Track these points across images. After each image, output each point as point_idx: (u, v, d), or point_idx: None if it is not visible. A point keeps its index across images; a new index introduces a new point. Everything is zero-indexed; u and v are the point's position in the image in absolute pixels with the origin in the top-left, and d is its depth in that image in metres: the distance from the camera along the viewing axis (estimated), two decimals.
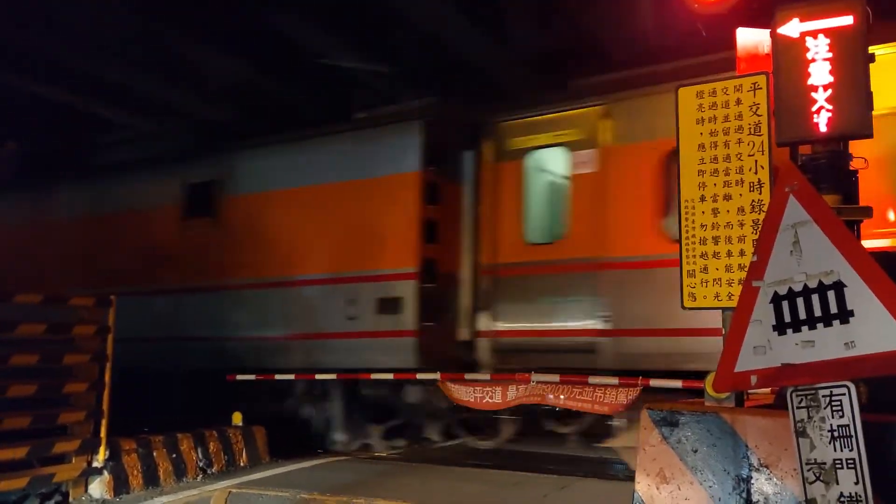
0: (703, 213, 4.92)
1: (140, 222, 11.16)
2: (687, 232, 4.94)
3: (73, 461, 6.35)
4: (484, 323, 8.87)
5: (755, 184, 4.78)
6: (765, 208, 4.49)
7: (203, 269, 10.46)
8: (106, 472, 6.56)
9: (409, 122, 9.15)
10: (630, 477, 5.23)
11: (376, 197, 9.14)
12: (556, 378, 7.71)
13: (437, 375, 8.47)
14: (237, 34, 10.79)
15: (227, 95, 12.51)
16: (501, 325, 8.74)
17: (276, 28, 10.56)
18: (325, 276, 9.43)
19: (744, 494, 4.01)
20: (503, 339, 8.71)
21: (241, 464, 8.03)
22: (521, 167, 8.79)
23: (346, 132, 9.82)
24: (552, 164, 8.82)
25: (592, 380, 7.49)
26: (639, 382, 7.24)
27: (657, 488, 4.28)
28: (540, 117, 8.72)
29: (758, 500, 3.96)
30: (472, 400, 8.32)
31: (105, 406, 6.58)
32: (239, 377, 9.50)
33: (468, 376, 8.33)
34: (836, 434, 3.09)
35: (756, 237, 4.28)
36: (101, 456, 6.53)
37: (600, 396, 7.46)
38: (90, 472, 6.48)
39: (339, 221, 9.42)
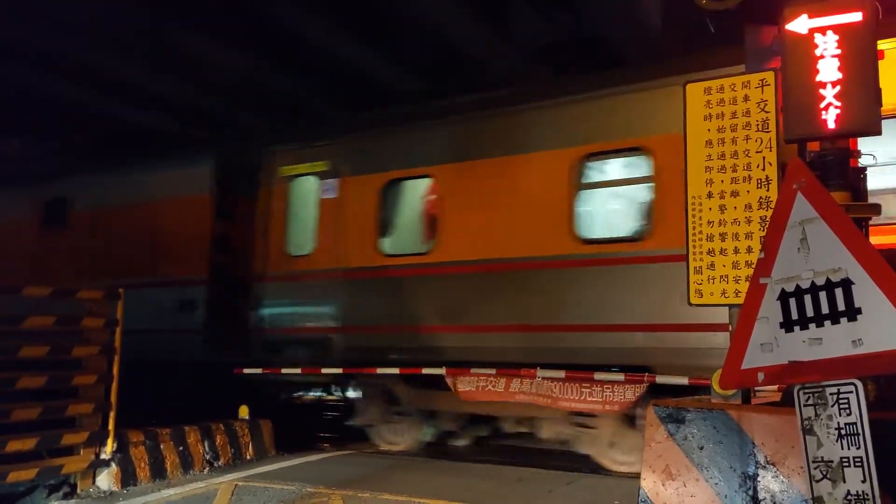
0: (709, 209, 4.92)
1: (10, 230, 12.70)
2: (694, 228, 4.94)
3: (82, 453, 6.38)
4: (255, 321, 10.13)
5: (763, 180, 4.77)
6: (772, 205, 4.49)
7: (57, 273, 11.50)
8: (114, 464, 6.59)
9: (205, 152, 10.95)
10: (634, 473, 5.23)
11: (181, 214, 10.78)
12: (560, 374, 7.72)
13: (442, 371, 8.50)
14: (240, 28, 10.87)
15: (231, 90, 12.61)
16: (267, 324, 10.08)
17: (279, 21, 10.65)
18: (144, 280, 10.63)
19: (750, 492, 4.01)
20: (268, 336, 10.03)
21: (248, 457, 8.07)
22: (287, 190, 10.24)
23: (162, 159, 11.52)
24: (308, 189, 10.16)
25: (598, 376, 7.50)
26: (644, 378, 7.24)
27: (663, 485, 4.29)
28: (301, 150, 10.24)
29: (764, 498, 3.96)
30: (473, 389, 8.36)
31: (113, 398, 6.60)
32: (246, 371, 9.60)
33: (474, 370, 8.35)
34: (843, 432, 3.08)
35: (763, 234, 4.28)
36: (109, 448, 6.56)
37: (609, 395, 7.49)
38: (98, 464, 6.51)
39: (154, 234, 11.01)
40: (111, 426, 6.58)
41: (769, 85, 4.82)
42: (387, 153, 9.40)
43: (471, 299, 8.49)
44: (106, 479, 6.55)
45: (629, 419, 7.78)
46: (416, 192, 9.63)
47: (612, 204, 8.51)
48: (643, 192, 7.74)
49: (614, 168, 8.27)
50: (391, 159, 9.33)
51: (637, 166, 7.88)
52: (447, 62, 11.51)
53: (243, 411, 8.52)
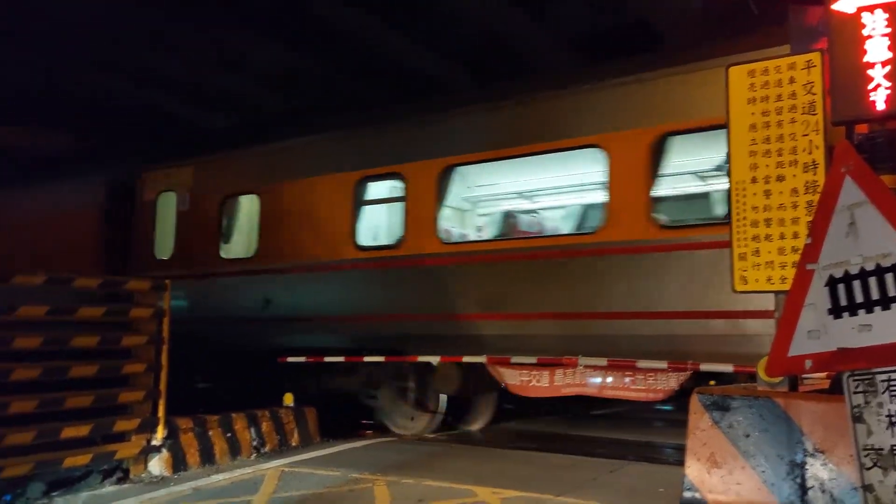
0: (754, 194, 4.85)
1: None
2: (738, 214, 4.88)
3: (133, 439, 6.53)
4: None
5: (809, 164, 4.70)
6: (819, 189, 4.42)
7: None
8: (164, 450, 6.74)
9: (100, 171, 12.95)
10: (679, 461, 5.21)
11: (81, 224, 12.68)
12: (603, 362, 7.69)
13: (483, 359, 8.52)
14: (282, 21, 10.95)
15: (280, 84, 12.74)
16: None
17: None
18: None
19: (798, 480, 3.97)
20: None
21: (293, 443, 8.19)
22: (156, 204, 11.99)
23: (66, 181, 13.43)
24: (169, 203, 11.85)
25: (641, 363, 7.46)
26: (688, 366, 7.18)
27: (708, 472, 4.27)
28: (165, 170, 12.00)
29: (812, 486, 3.92)
30: (519, 384, 8.34)
31: (162, 386, 6.75)
32: (290, 359, 9.74)
33: (514, 360, 8.35)
34: (894, 419, 3.04)
35: (810, 219, 4.21)
36: (160, 434, 6.71)
37: (653, 383, 7.46)
38: (149, 450, 6.67)
39: (59, 239, 12.73)
40: (161, 413, 6.74)
41: (815, 66, 4.73)
42: (224, 175, 11.35)
43: (285, 296, 10.18)
44: (157, 465, 6.71)
45: (402, 391, 9.49)
46: (248, 207, 11.26)
47: (380, 218, 10.24)
48: (399, 209, 9.55)
49: (381, 189, 10.00)
50: (228, 180, 11.25)
51: (396, 188, 9.68)
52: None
53: (288, 398, 8.64)
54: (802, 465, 3.97)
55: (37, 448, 5.74)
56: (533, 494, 5.91)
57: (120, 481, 6.41)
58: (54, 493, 5.92)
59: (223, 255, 11.14)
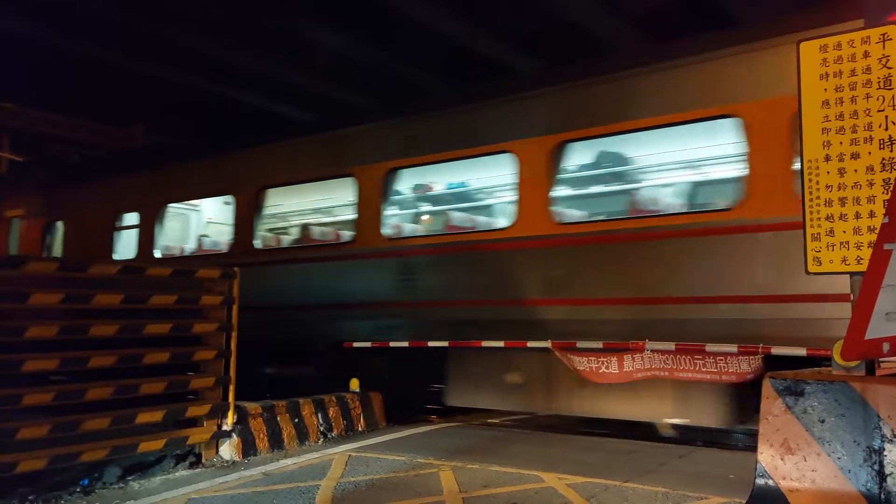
0: (827, 173, 4.70)
1: None
2: (810, 193, 4.73)
3: (205, 424, 6.71)
4: None
5: (885, 141, 4.52)
6: None
7: None
8: (235, 435, 6.91)
9: None
10: (750, 447, 5.10)
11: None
12: (671, 346, 7.56)
13: (548, 343, 8.46)
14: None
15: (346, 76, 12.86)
16: None
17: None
18: None
19: (876, 466, 3.84)
20: None
21: (359, 429, 8.31)
22: (10, 226, 15.73)
23: None
24: (17, 226, 15.72)
25: (710, 347, 7.31)
26: (759, 350, 7.01)
27: (781, 459, 4.17)
28: (15, 199, 15.84)
29: (891, 473, 3.79)
30: (588, 370, 8.23)
31: (232, 373, 6.91)
32: (356, 345, 9.83)
33: (580, 344, 8.26)
34: None
35: (887, 197, 4.05)
36: (230, 420, 6.88)
37: (725, 366, 7.30)
38: (220, 435, 6.84)
39: None
40: (231, 399, 6.90)
41: (891, 39, 4.53)
42: (45, 205, 15.03)
43: None
44: (228, 450, 6.89)
45: None
46: (59, 230, 14.81)
47: (127, 239, 13.39)
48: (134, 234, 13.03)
49: (129, 220, 13.28)
50: (48, 209, 14.95)
51: (134, 220, 13.10)
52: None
53: (354, 384, 8.75)
54: (880, 452, 3.84)
55: (112, 433, 5.96)
56: (599, 480, 5.88)
57: (192, 466, 6.59)
58: (129, 478, 6.12)
59: None
